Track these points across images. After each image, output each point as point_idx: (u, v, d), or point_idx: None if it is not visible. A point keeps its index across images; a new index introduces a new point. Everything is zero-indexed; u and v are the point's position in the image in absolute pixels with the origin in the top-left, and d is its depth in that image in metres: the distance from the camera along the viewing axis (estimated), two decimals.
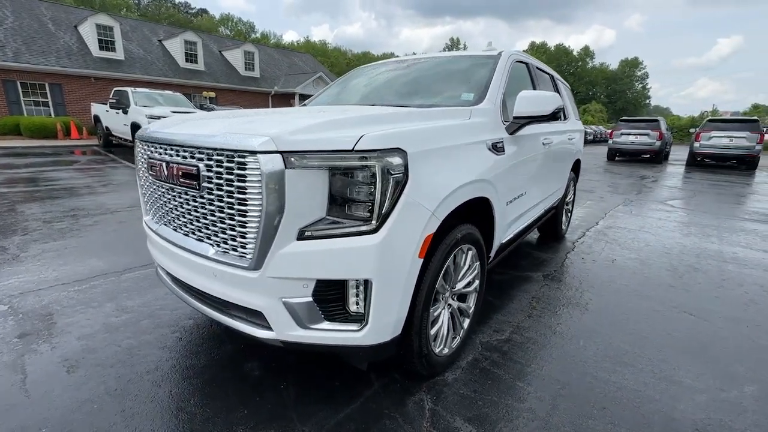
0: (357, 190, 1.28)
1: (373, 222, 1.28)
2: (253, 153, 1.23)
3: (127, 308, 2.34)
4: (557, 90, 3.54)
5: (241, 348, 1.98)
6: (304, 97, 23.33)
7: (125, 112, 10.13)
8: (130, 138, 10.08)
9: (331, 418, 1.52)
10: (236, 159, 1.27)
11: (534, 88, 2.85)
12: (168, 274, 1.81)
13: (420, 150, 1.40)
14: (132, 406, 1.56)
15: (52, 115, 15.96)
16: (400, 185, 1.31)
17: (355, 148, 1.24)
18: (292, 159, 1.22)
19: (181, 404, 1.58)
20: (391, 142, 1.31)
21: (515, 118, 2.11)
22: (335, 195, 1.28)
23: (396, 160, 1.30)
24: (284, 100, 23.83)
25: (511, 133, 2.13)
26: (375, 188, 1.27)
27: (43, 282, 2.67)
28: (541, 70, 3.19)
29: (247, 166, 1.25)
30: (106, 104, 11.36)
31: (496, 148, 1.95)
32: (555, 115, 2.12)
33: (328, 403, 1.61)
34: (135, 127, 9.71)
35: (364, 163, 1.26)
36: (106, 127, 11.81)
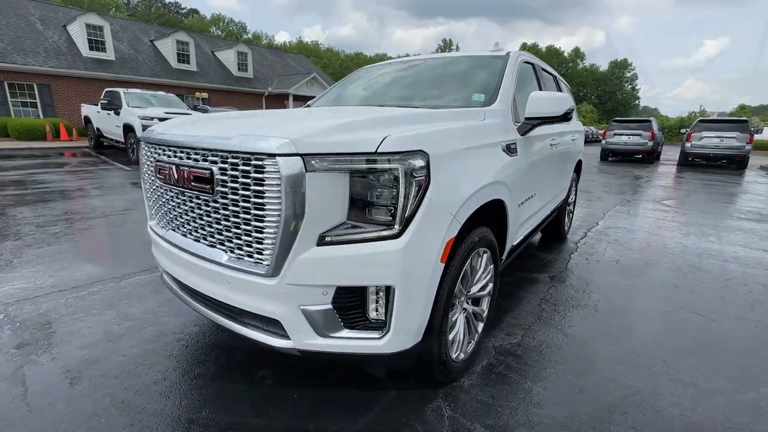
0: (378, 194, 1.24)
1: (396, 226, 1.24)
2: (272, 156, 1.18)
3: (129, 315, 2.27)
4: (560, 90, 3.54)
5: (250, 355, 1.92)
6: (298, 98, 23.21)
7: (117, 113, 9.94)
8: (122, 139, 9.90)
9: (350, 427, 1.48)
10: (253, 162, 1.22)
11: (540, 89, 2.84)
12: (175, 280, 1.75)
13: (441, 152, 1.37)
14: (141, 419, 1.50)
15: (41, 116, 15.65)
16: (423, 188, 1.28)
17: (378, 150, 1.20)
18: (313, 162, 1.18)
19: (192, 416, 1.52)
20: (414, 144, 1.27)
21: (527, 119, 2.09)
22: (356, 199, 1.24)
23: (419, 162, 1.26)
24: (278, 101, 23.68)
25: (522, 135, 2.11)
26: (398, 191, 1.23)
27: (39, 289, 2.58)
28: (545, 70, 3.18)
29: (265, 170, 1.20)
30: (97, 105, 11.15)
31: (510, 149, 1.92)
32: (566, 116, 2.11)
33: (344, 411, 1.56)
34: (127, 128, 9.54)
35: (387, 165, 1.22)
36: (97, 129, 11.60)
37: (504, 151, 1.86)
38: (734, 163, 12.87)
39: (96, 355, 1.89)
